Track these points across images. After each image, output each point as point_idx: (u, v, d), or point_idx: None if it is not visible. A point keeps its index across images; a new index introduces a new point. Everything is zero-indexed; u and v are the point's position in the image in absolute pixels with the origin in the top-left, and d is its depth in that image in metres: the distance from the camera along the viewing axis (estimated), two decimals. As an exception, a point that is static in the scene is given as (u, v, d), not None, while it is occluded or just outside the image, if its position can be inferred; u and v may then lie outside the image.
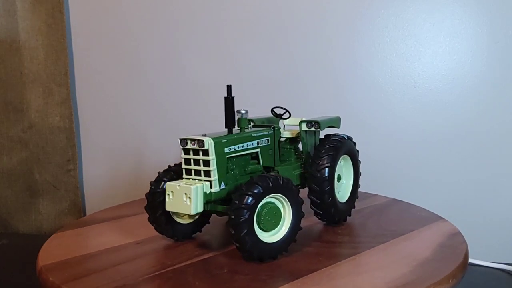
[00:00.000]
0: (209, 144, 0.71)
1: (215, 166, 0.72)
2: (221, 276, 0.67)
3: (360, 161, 0.95)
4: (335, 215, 0.87)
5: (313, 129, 0.87)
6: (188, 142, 0.73)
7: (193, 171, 0.74)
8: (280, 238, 0.71)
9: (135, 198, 1.18)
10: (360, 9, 1.31)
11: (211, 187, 0.72)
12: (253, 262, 0.71)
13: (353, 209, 0.95)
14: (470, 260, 0.77)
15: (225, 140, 0.74)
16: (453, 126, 1.30)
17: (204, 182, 0.71)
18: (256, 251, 0.69)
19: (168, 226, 0.79)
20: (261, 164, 0.82)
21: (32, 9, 1.45)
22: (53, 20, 1.45)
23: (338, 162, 0.88)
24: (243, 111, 0.79)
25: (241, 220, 0.66)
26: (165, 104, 1.47)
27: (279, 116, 0.91)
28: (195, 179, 0.73)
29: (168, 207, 0.72)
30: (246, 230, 0.66)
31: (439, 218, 0.94)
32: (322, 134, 0.90)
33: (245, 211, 0.66)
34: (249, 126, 0.86)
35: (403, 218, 0.95)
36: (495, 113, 1.27)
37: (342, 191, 0.93)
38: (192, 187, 0.69)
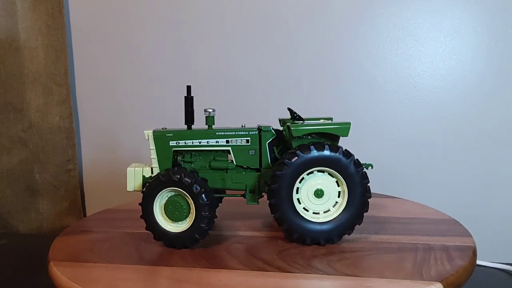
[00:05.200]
0: (148, 136, 0.84)
1: (155, 156, 0.83)
2: (119, 248, 0.80)
3: (366, 182, 0.78)
4: (290, 232, 0.77)
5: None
6: None
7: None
8: (182, 230, 0.79)
9: (136, 198, 1.17)
10: (360, 9, 1.31)
11: (152, 173, 0.83)
12: (158, 244, 0.80)
13: (373, 240, 0.80)
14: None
15: (171, 135, 0.83)
16: (454, 126, 1.30)
17: (146, 168, 0.84)
18: (156, 234, 0.79)
19: None
20: (234, 162, 0.84)
21: (32, 9, 1.45)
22: (53, 20, 1.45)
23: (329, 177, 0.78)
24: (210, 110, 0.84)
25: (140, 204, 0.78)
26: (166, 104, 1.47)
27: (293, 118, 0.90)
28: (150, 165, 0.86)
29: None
30: (144, 213, 0.79)
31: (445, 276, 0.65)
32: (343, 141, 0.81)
33: (145, 197, 0.78)
34: (243, 125, 0.86)
35: (400, 264, 0.70)
36: (495, 113, 1.27)
37: (333, 210, 0.79)
38: (128, 169, 0.82)
